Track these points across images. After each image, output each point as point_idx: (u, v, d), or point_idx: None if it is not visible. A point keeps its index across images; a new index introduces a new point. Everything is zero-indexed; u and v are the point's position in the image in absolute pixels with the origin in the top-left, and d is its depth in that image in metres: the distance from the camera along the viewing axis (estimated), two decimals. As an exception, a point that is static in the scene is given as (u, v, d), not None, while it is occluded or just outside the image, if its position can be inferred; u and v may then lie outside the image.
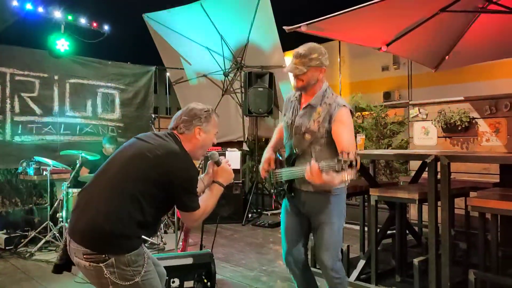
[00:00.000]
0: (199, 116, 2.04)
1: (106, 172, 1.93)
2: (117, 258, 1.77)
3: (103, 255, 1.76)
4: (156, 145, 1.92)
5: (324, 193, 2.39)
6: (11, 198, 5.57)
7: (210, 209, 2.01)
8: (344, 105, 2.37)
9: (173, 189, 1.87)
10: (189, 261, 3.04)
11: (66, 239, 1.90)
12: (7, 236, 4.71)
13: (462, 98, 4.94)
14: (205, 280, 2.99)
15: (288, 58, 7.38)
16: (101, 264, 1.76)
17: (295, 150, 2.44)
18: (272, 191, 2.65)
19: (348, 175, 1.98)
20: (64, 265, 1.95)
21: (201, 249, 4.29)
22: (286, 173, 2.45)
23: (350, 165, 1.98)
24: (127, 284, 1.79)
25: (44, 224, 4.72)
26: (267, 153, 2.59)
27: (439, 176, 2.96)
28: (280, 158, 2.59)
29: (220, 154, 6.10)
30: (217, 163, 2.15)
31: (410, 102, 5.52)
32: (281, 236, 2.65)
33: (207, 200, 2.02)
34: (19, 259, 4.36)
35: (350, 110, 2.41)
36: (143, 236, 1.95)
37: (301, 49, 2.41)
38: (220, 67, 6.83)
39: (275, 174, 2.53)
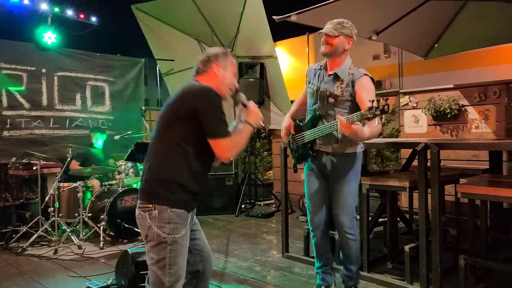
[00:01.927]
0: (215, 53, 2.11)
1: (153, 134, 2.06)
2: (160, 211, 1.91)
3: (150, 205, 1.92)
4: (177, 92, 2.03)
5: (342, 154, 2.64)
6: (1, 194, 5.50)
7: (242, 144, 2.02)
8: (365, 74, 2.61)
9: (200, 117, 1.90)
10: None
11: None
12: (-2, 231, 4.68)
13: (451, 86, 4.97)
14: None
15: (279, 48, 7.37)
16: (146, 213, 1.93)
17: (318, 113, 2.64)
18: (292, 155, 2.86)
19: (381, 119, 2.23)
20: None
21: (194, 240, 4.31)
22: (308, 133, 2.67)
23: (382, 111, 2.20)
24: (163, 237, 1.91)
25: (35, 219, 4.69)
26: (286, 121, 2.81)
27: (429, 164, 2.98)
28: (300, 124, 2.80)
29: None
30: (245, 105, 2.15)
31: (401, 91, 5.54)
32: (306, 199, 2.85)
33: (238, 134, 2.04)
34: (11, 255, 4.33)
35: (372, 78, 2.65)
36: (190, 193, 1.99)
37: (336, 19, 2.61)
38: (211, 58, 6.79)
39: (295, 139, 2.76)
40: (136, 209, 2.00)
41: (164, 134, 1.97)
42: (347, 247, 2.81)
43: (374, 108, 2.21)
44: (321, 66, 2.75)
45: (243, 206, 6.32)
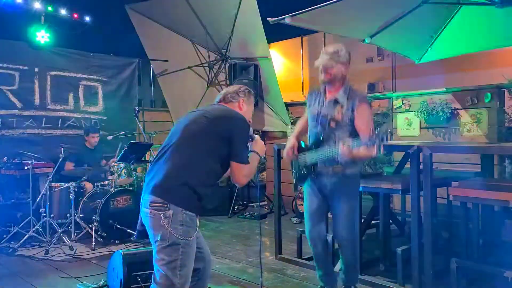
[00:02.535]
0: (242, 91, 2.37)
1: (172, 140, 2.14)
2: (175, 212, 1.96)
3: (165, 205, 1.96)
4: (210, 110, 2.24)
5: (343, 176, 2.74)
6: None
7: (253, 172, 2.22)
8: (364, 100, 2.75)
9: (233, 139, 2.09)
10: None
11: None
12: (-12, 232, 4.63)
13: (444, 89, 5.01)
14: (191, 273, 2.99)
15: (273, 50, 7.37)
16: (161, 213, 1.96)
17: (321, 137, 2.75)
18: (294, 175, 3.00)
19: (380, 148, 2.39)
20: (143, 232, 2.12)
21: (187, 242, 4.29)
22: (311, 156, 2.77)
23: (382, 140, 2.36)
24: (176, 238, 1.96)
25: (27, 219, 4.64)
26: (291, 141, 2.92)
27: (421, 167, 3.00)
28: (303, 145, 2.93)
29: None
30: (251, 138, 2.32)
31: (394, 94, 5.57)
32: (305, 215, 2.96)
33: (251, 162, 2.20)
34: (2, 255, 4.29)
35: (369, 103, 2.83)
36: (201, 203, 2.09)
37: (331, 47, 2.76)
38: (205, 59, 6.77)
39: (299, 159, 2.87)
40: (146, 208, 2.02)
41: (197, 142, 2.09)
42: (345, 258, 2.91)
43: (374, 137, 2.39)
44: (320, 91, 2.87)
45: (236, 207, 6.31)
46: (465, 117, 4.86)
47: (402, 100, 5.37)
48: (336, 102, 2.76)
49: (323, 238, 2.97)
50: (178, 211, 1.97)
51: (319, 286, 3.12)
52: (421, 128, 5.21)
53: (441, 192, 4.03)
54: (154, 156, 2.24)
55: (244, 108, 2.35)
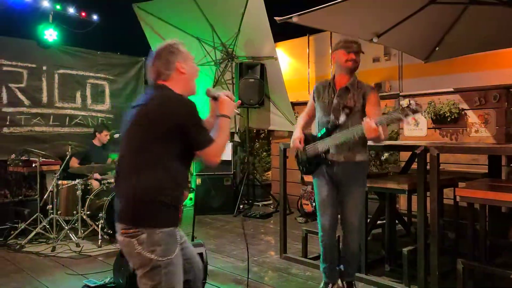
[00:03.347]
0: (171, 52, 1.95)
1: (122, 151, 1.93)
2: (149, 233, 1.76)
3: (137, 230, 1.76)
4: (148, 103, 1.89)
5: (353, 162, 2.83)
6: (0, 190, 5.51)
7: (224, 142, 1.94)
8: (374, 89, 2.90)
9: (184, 132, 1.82)
10: (181, 252, 3.03)
11: None
12: (-4, 228, 4.67)
13: (451, 89, 4.98)
14: (197, 271, 2.99)
15: (279, 49, 7.36)
16: (134, 239, 1.76)
17: (336, 123, 2.80)
18: (301, 167, 3.02)
19: (413, 119, 2.36)
20: None
21: (192, 240, 4.30)
22: (323, 144, 2.82)
23: (415, 111, 2.43)
24: (156, 261, 1.77)
25: (34, 216, 4.69)
26: (298, 132, 2.95)
27: (428, 167, 2.99)
28: (312, 135, 2.97)
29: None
30: (215, 98, 2.07)
31: (401, 93, 5.54)
32: (317, 204, 2.98)
33: (218, 133, 1.94)
34: (9, 251, 4.33)
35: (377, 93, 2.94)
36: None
37: (351, 38, 2.92)
38: (212, 57, 6.79)
39: (307, 150, 2.90)
40: (118, 236, 1.83)
41: (143, 151, 1.82)
42: (351, 245, 2.98)
43: (406, 108, 2.42)
44: (329, 82, 2.93)
45: (241, 206, 6.31)
46: (472, 117, 4.83)
47: (409, 100, 5.34)
48: (347, 90, 2.84)
49: (334, 226, 2.98)
50: (152, 232, 1.77)
51: (322, 282, 3.11)
52: (428, 128, 5.18)
53: (448, 193, 4.02)
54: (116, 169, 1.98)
55: (186, 69, 1.96)
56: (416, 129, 5.28)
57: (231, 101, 2.04)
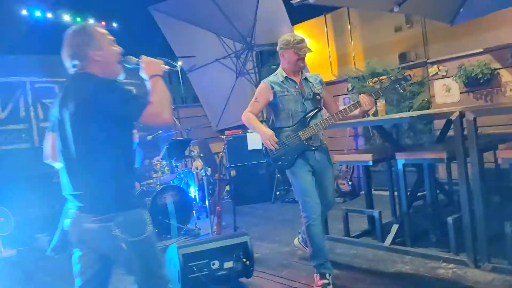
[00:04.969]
0: (81, 39, 1.88)
1: (69, 147, 1.88)
2: (125, 216, 1.81)
3: (111, 214, 1.79)
4: (76, 100, 1.84)
5: (325, 146, 3.09)
6: (48, 202, 5.77)
7: (162, 98, 1.85)
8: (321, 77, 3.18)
9: (110, 108, 1.78)
10: (226, 242, 3.12)
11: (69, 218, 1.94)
12: (50, 237, 4.91)
13: (481, 50, 4.81)
14: (244, 259, 3.08)
15: (297, 32, 7.28)
16: (110, 223, 1.78)
17: (311, 111, 2.97)
18: (280, 162, 3.00)
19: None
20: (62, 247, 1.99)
21: (235, 230, 4.40)
22: (305, 132, 2.92)
23: (405, 79, 2.95)
24: (139, 238, 1.82)
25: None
26: (268, 129, 2.98)
27: (465, 132, 2.92)
28: (284, 128, 3.03)
29: (241, 136, 6.07)
30: (138, 63, 1.98)
31: (428, 61, 5.40)
32: (306, 192, 2.93)
33: (154, 94, 1.86)
34: (65, 258, 4.55)
35: None
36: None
37: (298, 36, 3.06)
38: (231, 49, 6.81)
39: (286, 143, 2.95)
40: (88, 224, 1.81)
41: (90, 142, 1.81)
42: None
43: (398, 79, 2.89)
44: (284, 76, 3.02)
45: (278, 193, 6.36)
46: (506, 76, 4.66)
47: (437, 67, 5.20)
48: (307, 80, 3.06)
49: (321, 209, 2.97)
50: (126, 213, 1.83)
51: (328, 277, 2.93)
52: (460, 93, 5.04)
53: (488, 156, 3.91)
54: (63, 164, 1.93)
55: (100, 55, 1.88)
56: (448, 95, 5.15)
57: (154, 59, 1.98)
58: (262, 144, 3.02)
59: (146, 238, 1.86)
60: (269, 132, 2.94)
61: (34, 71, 5.62)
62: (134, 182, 1.95)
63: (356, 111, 2.90)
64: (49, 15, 5.70)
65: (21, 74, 5.53)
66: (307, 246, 3.14)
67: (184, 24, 6.74)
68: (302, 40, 2.97)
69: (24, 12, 5.38)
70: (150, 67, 1.94)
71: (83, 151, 1.83)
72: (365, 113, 3.01)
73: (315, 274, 2.97)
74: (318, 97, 3.03)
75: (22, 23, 5.47)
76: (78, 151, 1.84)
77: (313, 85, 3.04)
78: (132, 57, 2.01)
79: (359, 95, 2.84)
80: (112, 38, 1.97)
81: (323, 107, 3.10)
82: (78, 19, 5.99)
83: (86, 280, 1.91)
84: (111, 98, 1.78)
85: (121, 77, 2.00)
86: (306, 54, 2.96)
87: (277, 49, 3.08)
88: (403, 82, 2.90)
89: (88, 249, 1.89)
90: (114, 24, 6.36)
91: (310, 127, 2.92)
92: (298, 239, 3.60)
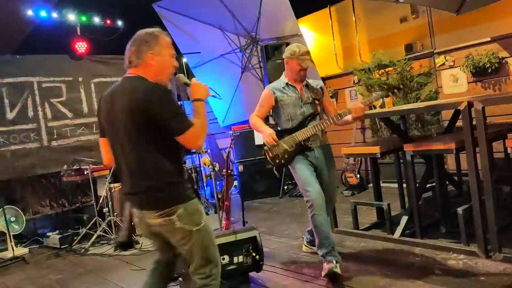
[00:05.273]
0: (145, 40, 1.99)
1: (120, 144, 1.99)
2: (184, 207, 1.94)
3: (173, 208, 1.92)
4: (127, 95, 1.94)
5: (327, 145, 3.29)
6: (58, 200, 5.85)
7: (203, 124, 1.97)
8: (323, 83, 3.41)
9: (160, 119, 1.86)
10: (235, 237, 3.13)
11: (129, 214, 2.10)
12: (60, 236, 4.98)
13: (489, 38, 4.75)
14: (253, 254, 3.09)
15: (302, 26, 7.25)
16: (172, 216, 1.92)
17: (310, 115, 3.17)
18: (277, 160, 3.17)
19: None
20: (128, 243, 2.14)
21: (244, 225, 4.41)
22: (302, 134, 3.12)
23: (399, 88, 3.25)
24: (199, 227, 1.98)
25: (93, 221, 4.96)
26: (268, 129, 3.13)
27: (474, 122, 2.90)
28: (284, 129, 3.22)
29: (248, 131, 6.05)
30: (187, 84, 2.11)
31: (435, 51, 5.35)
32: (308, 182, 3.07)
33: (196, 117, 1.98)
34: (76, 255, 4.62)
35: None
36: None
37: (303, 47, 3.20)
38: (236, 44, 6.80)
39: (284, 143, 3.13)
40: (152, 220, 1.96)
41: (142, 140, 1.91)
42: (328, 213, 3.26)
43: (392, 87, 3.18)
44: (286, 83, 3.25)
45: (285, 187, 6.37)
46: (514, 64, 4.60)
47: (445, 57, 5.15)
48: (307, 86, 3.26)
49: (324, 202, 3.09)
50: (185, 206, 1.95)
51: (335, 263, 3.01)
52: (468, 83, 4.99)
53: (497, 146, 3.88)
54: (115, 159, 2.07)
55: (156, 60, 1.98)
56: (456, 86, 5.10)
57: (201, 84, 2.09)
58: (264, 144, 3.18)
59: (204, 227, 2.02)
60: (270, 130, 3.13)
61: (41, 71, 5.66)
62: (185, 176, 2.09)
63: (349, 117, 3.12)
64: (54, 14, 5.72)
65: (29, 74, 5.56)
66: (314, 246, 3.27)
67: (188, 20, 6.72)
68: (307, 53, 3.18)
69: (30, 12, 5.40)
70: (197, 91, 2.05)
71: (137, 151, 1.94)
72: (356, 120, 3.27)
73: (323, 262, 3.05)
74: (317, 102, 3.23)
75: (28, 23, 5.49)
76: (132, 151, 1.95)
77: (313, 90, 3.25)
78: (182, 76, 2.18)
79: (352, 104, 3.07)
80: (174, 52, 2.08)
81: (323, 112, 3.31)
82: (83, 18, 6.01)
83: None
84: (166, 109, 1.88)
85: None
86: (307, 67, 3.17)
87: (283, 56, 3.29)
88: (395, 90, 3.31)
89: (157, 239, 2.12)
90: (119, 22, 6.36)
91: (306, 129, 3.12)
92: (304, 244, 3.70)
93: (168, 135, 1.91)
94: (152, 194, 1.95)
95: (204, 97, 2.06)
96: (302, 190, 3.13)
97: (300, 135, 3.13)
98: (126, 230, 2.29)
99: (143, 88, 1.90)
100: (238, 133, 6.23)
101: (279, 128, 3.24)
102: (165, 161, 1.94)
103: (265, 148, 3.21)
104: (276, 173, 3.66)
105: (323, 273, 3.02)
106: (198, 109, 2.02)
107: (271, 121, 5.54)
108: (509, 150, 2.79)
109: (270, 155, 3.20)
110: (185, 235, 1.98)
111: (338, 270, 2.97)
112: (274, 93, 3.24)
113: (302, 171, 3.12)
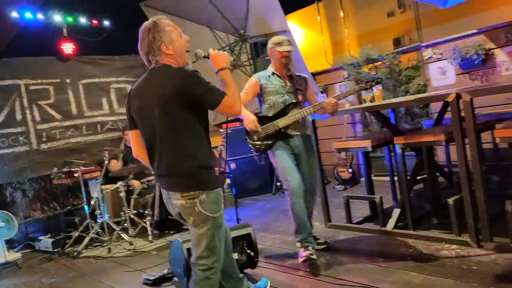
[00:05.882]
0: (153, 37, 2.07)
1: (154, 132, 2.08)
2: (207, 194, 2.05)
3: (197, 192, 2.03)
4: (159, 82, 2.05)
5: (307, 135, 3.41)
6: (49, 204, 5.79)
7: (236, 92, 2.07)
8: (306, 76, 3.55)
9: (196, 99, 2.00)
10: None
11: (161, 195, 2.27)
12: (53, 239, 4.93)
13: (475, 30, 4.80)
14: (248, 251, 3.09)
15: (290, 22, 7.24)
16: (195, 200, 2.03)
17: (291, 104, 3.29)
18: (258, 145, 3.28)
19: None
20: (162, 222, 2.19)
21: (237, 222, 4.41)
22: (283, 121, 3.24)
23: (377, 82, 3.37)
24: (216, 215, 2.08)
25: (85, 223, 4.91)
26: (251, 115, 3.22)
27: (462, 114, 2.93)
28: (267, 116, 3.32)
29: (239, 128, 6.05)
30: (206, 57, 2.17)
31: (422, 44, 5.39)
32: (288, 170, 3.18)
33: (226, 86, 2.07)
34: (69, 259, 4.58)
35: None
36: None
37: (282, 36, 3.37)
38: (225, 42, 6.78)
39: (265, 129, 3.24)
40: (177, 200, 2.08)
41: (176, 125, 2.02)
42: (312, 208, 3.44)
43: (369, 81, 3.34)
44: (272, 72, 3.37)
45: (278, 183, 6.37)
46: (501, 56, 4.65)
47: (432, 50, 5.19)
48: (291, 77, 3.39)
49: (302, 190, 3.20)
50: (209, 193, 2.06)
51: (311, 250, 3.18)
52: (456, 75, 5.04)
53: (486, 136, 3.93)
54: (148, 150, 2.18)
55: (171, 48, 2.09)
56: (444, 78, 5.14)
57: (221, 52, 2.15)
58: (245, 129, 3.26)
59: (220, 218, 2.13)
60: (252, 117, 3.21)
61: (28, 73, 5.59)
62: (213, 164, 2.15)
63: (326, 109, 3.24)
64: (39, 16, 5.64)
65: (15, 77, 5.49)
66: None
67: (176, 18, 6.67)
68: (286, 40, 3.30)
69: (15, 14, 5.32)
70: (219, 60, 2.12)
71: (168, 136, 2.04)
72: (333, 114, 3.36)
73: (300, 248, 3.21)
74: (300, 92, 3.36)
75: (13, 25, 5.41)
76: (164, 137, 2.05)
77: (297, 82, 3.38)
78: (200, 51, 2.19)
79: (325, 100, 3.22)
80: (179, 29, 2.16)
81: (304, 102, 3.41)
82: (69, 19, 5.94)
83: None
84: (197, 87, 1.99)
85: (189, 66, 2.17)
86: (289, 52, 3.27)
87: (267, 48, 3.43)
88: (373, 83, 3.34)
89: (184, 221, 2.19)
90: (106, 22, 6.29)
91: (287, 117, 3.25)
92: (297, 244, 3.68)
93: (202, 119, 2.06)
94: (180, 178, 2.06)
95: (227, 65, 2.11)
96: (282, 178, 3.25)
97: (281, 122, 3.25)
98: (158, 209, 2.41)
99: (171, 74, 2.03)
100: (230, 131, 6.22)
101: (260, 115, 3.34)
102: (196, 147, 2.05)
103: (247, 134, 3.32)
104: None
105: (300, 260, 3.17)
106: (225, 77, 2.09)
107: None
108: (497, 141, 2.81)
109: (252, 141, 3.32)
110: (202, 220, 2.06)
111: (314, 256, 3.14)
112: (260, 80, 3.36)
113: (282, 158, 3.23)
